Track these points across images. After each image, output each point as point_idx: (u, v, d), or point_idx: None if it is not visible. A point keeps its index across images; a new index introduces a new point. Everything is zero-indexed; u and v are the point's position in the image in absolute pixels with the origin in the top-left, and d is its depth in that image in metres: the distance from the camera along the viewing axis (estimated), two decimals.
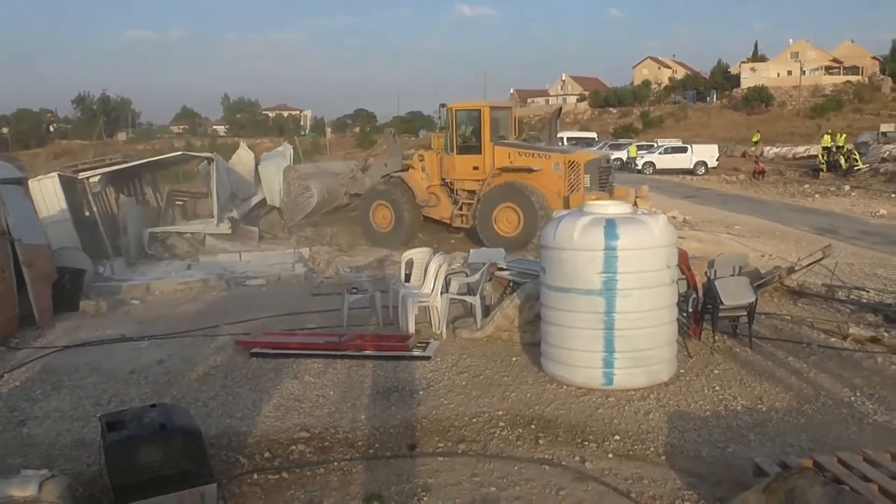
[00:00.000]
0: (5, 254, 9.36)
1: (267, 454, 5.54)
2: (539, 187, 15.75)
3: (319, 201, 18.48)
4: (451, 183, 16.87)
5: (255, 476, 5.19)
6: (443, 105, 17.05)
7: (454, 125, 16.59)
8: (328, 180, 19.13)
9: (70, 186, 15.37)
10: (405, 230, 17.01)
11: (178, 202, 19.07)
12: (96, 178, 16.00)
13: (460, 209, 16.81)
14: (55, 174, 15.38)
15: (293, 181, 18.70)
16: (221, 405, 6.56)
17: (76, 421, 6.29)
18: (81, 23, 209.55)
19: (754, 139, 46.55)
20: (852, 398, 6.38)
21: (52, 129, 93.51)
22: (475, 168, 16.45)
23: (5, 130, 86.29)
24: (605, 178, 16.44)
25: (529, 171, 15.88)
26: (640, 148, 45.15)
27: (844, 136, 37.40)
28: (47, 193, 14.60)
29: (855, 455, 4.53)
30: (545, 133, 18.65)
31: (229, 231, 16.74)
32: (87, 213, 15.82)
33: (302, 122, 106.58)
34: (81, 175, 15.84)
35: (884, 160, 33.65)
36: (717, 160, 40.22)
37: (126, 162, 17.68)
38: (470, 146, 16.54)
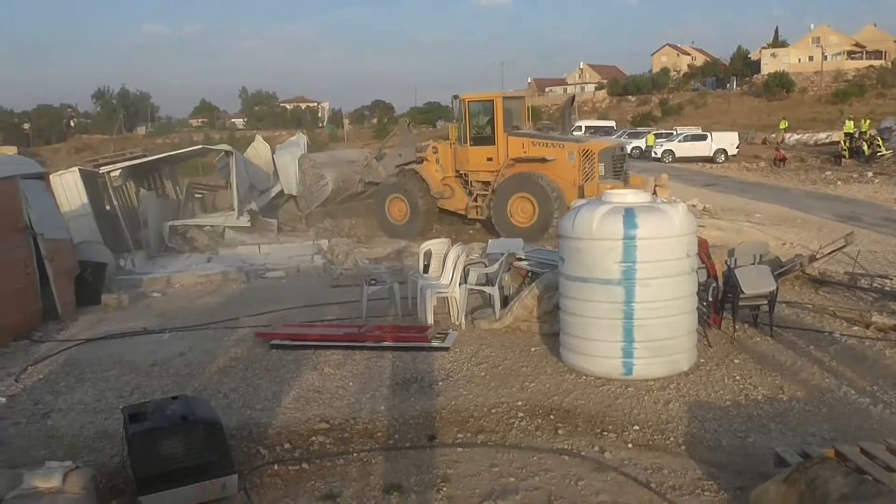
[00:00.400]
0: (28, 248, 9.47)
1: (287, 445, 5.58)
2: (554, 177, 15.67)
3: (334, 189, 18.62)
4: (465, 174, 16.86)
5: (276, 467, 5.23)
6: (455, 97, 17.05)
7: (467, 116, 16.57)
8: (343, 168, 19.27)
9: (91, 181, 15.52)
10: (420, 222, 17.04)
11: (197, 195, 19.22)
12: (117, 173, 16.15)
13: (475, 200, 16.79)
14: (76, 169, 15.53)
15: (308, 170, 18.84)
16: (242, 397, 6.61)
17: (99, 413, 6.37)
18: (100, 18, 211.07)
19: (782, 126, 45.93)
20: (875, 388, 6.31)
21: (72, 123, 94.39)
22: (489, 159, 16.42)
23: (26, 126, 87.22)
24: (619, 167, 16.39)
25: (543, 161, 15.81)
26: (658, 136, 44.85)
27: (869, 121, 36.87)
28: (68, 188, 14.75)
29: (878, 445, 4.49)
30: (561, 122, 18.62)
31: (249, 224, 16.84)
32: (107, 207, 15.97)
33: (320, 115, 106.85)
34: (102, 169, 15.99)
35: None
36: (737, 147, 39.83)
37: (146, 156, 17.84)
38: (483, 137, 16.52)
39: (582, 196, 14.80)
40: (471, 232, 16.81)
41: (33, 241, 9.59)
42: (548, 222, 15.14)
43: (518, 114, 17.37)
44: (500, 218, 15.95)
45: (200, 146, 18.65)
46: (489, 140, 16.41)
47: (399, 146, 18.92)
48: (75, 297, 10.28)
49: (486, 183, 16.55)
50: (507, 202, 15.87)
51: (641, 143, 43.59)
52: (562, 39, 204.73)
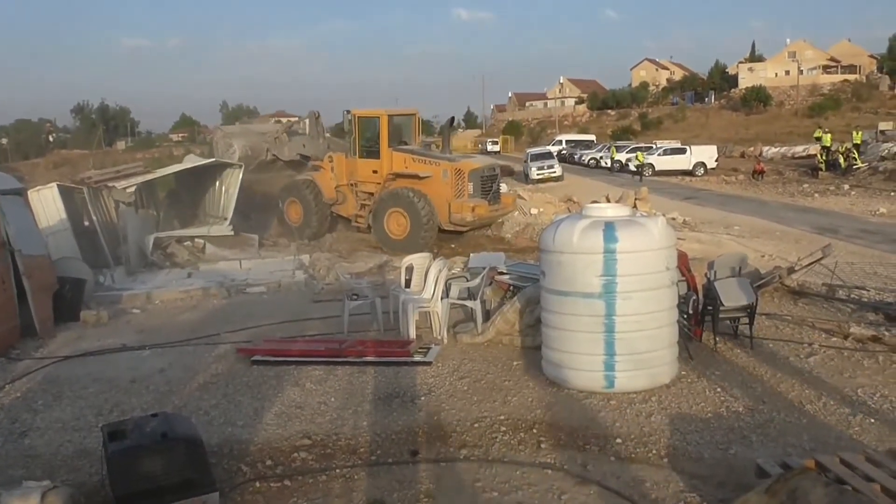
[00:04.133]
0: (5, 265, 9.35)
1: (269, 462, 5.54)
2: (429, 193, 16.69)
3: (241, 157, 19.80)
4: (354, 184, 18.04)
5: (258, 484, 5.19)
6: (347, 111, 18.19)
7: (357, 130, 17.72)
8: (253, 138, 20.86)
9: (69, 196, 15.39)
10: (314, 225, 18.41)
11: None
12: (132, 188, 16.21)
13: (360, 210, 18.03)
14: (54, 184, 15.43)
15: (219, 140, 20.51)
16: (223, 413, 6.56)
17: (78, 431, 6.29)
18: (79, 32, 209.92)
19: (816, 135, 43.26)
20: (854, 398, 6.38)
21: (51, 138, 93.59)
22: (374, 171, 17.57)
23: (4, 141, 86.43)
24: (488, 186, 17.36)
25: (419, 177, 16.85)
26: (635, 150, 45.15)
27: (861, 132, 36.99)
28: (47, 203, 14.63)
29: (857, 455, 4.52)
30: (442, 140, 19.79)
31: (231, 232, 17.18)
32: (86, 223, 15.83)
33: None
34: (120, 184, 16.07)
35: (882, 158, 33.59)
36: (715, 161, 40.20)
37: (147, 171, 17.98)
38: (371, 150, 17.62)
39: (449, 212, 16.50)
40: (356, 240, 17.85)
41: (11, 257, 9.48)
42: (418, 238, 16.31)
43: (408, 130, 18.49)
44: (378, 229, 17.17)
45: (214, 160, 19.15)
46: (375, 154, 17.53)
47: (307, 136, 20.71)
48: (54, 313, 10.15)
49: (371, 194, 17.71)
50: (384, 215, 17.01)
51: (620, 157, 44.66)
52: (542, 54, 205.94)
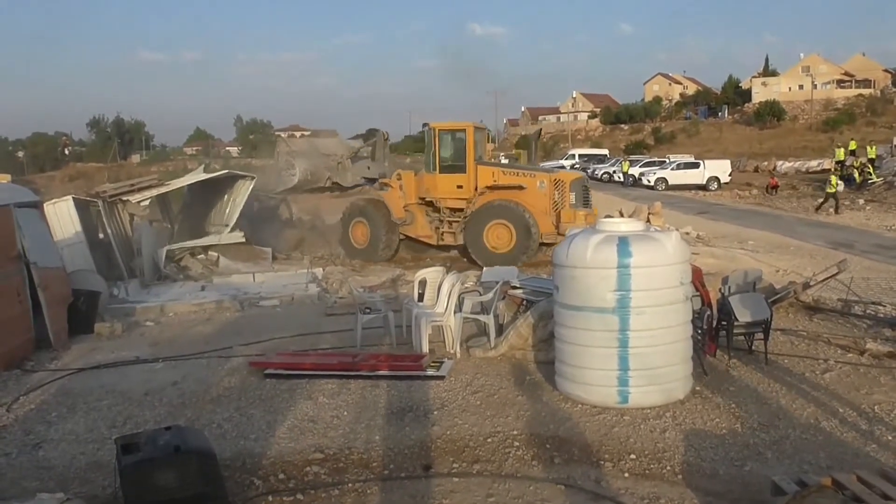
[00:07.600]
0: (21, 277, 9.42)
1: (281, 476, 5.53)
2: (525, 205, 16.28)
3: (301, 181, 19.75)
4: (434, 201, 17.28)
5: (270, 498, 5.18)
6: (426, 124, 17.56)
7: (437, 144, 17.04)
8: (316, 160, 20.35)
9: (84, 209, 15.51)
10: (380, 247, 17.62)
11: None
12: (146, 202, 16.30)
13: (449, 227, 17.27)
14: (69, 197, 15.55)
15: (282, 154, 20.11)
16: (236, 427, 6.55)
17: (91, 443, 6.31)
18: (95, 46, 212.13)
19: (852, 147, 40.54)
20: (871, 414, 6.32)
21: (67, 152, 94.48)
22: (459, 187, 16.91)
23: (21, 154, 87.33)
24: (587, 197, 17.17)
25: (520, 188, 16.46)
26: (649, 164, 45.65)
27: (875, 146, 36.83)
28: (62, 216, 14.74)
29: (874, 473, 4.48)
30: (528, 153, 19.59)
31: (242, 239, 17.10)
32: (101, 236, 15.94)
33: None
34: (135, 198, 16.13)
35: None
36: (729, 175, 40.18)
37: (161, 184, 18.02)
38: (453, 165, 17.01)
39: (557, 222, 15.96)
40: (428, 260, 17.17)
41: (26, 269, 9.55)
42: (525, 249, 15.83)
43: (481, 145, 17.98)
44: (476, 244, 16.44)
45: (227, 171, 19.08)
46: (459, 168, 16.91)
47: (371, 158, 20.00)
48: (68, 325, 10.21)
49: (456, 210, 17.03)
50: (483, 229, 16.35)
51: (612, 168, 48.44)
52: (555, 68, 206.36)
